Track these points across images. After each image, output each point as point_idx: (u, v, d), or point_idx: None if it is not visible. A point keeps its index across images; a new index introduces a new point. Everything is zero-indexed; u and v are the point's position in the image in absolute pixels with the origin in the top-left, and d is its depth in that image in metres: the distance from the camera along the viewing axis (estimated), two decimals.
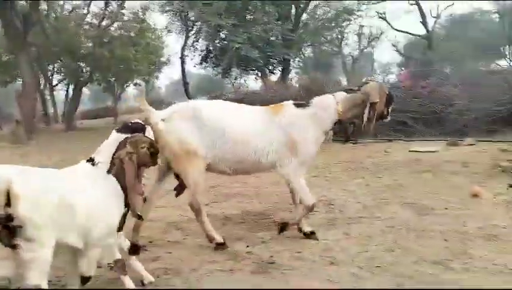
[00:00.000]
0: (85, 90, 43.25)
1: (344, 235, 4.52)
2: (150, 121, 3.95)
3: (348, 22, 24.56)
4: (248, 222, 5.23)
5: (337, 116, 4.52)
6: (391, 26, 31.26)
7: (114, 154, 3.04)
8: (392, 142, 11.20)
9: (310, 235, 4.48)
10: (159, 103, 42.32)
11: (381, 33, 33.12)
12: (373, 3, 22.84)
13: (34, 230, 2.54)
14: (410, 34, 33.15)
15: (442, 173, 7.08)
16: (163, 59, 37.04)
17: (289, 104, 4.52)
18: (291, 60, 22.16)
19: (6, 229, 2.50)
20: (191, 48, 21.20)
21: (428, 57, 24.97)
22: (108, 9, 24.05)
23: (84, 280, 2.95)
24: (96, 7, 24.92)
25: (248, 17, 19.40)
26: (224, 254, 4.16)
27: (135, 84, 39.36)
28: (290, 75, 24.14)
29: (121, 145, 3.07)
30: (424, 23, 29.37)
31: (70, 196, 2.74)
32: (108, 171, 3.00)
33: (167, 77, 61.98)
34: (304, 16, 21.77)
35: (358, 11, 22.57)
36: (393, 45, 32.85)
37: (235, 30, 18.01)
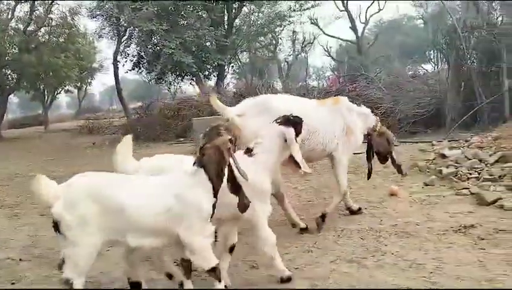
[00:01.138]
0: (13, 98, 41.31)
1: None
2: (225, 117, 4.33)
3: (281, 28, 25.00)
4: None
5: (369, 129, 5.09)
6: (323, 32, 32.09)
7: (204, 145, 2.97)
8: None
9: (357, 211, 5.12)
10: (93, 110, 41.25)
11: (314, 38, 33.90)
12: (304, 10, 23.31)
13: (66, 229, 2.72)
14: (340, 39, 34.25)
15: (364, 174, 7.35)
16: (95, 65, 36.06)
17: (345, 98, 5.10)
18: (226, 65, 22.25)
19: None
20: (122, 53, 20.69)
21: (358, 61, 25.88)
22: (34, 13, 23.02)
23: (212, 270, 2.95)
24: (21, 12, 23.75)
25: (181, 22, 19.26)
26: (146, 264, 4.10)
27: (66, 92, 38.08)
28: (226, 80, 24.29)
29: (213, 135, 2.99)
30: (353, 28, 30.43)
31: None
32: (197, 164, 2.94)
33: (101, 84, 60.24)
34: (237, 22, 21.91)
35: (290, 16, 23.01)
36: (326, 50, 33.74)
37: (168, 35, 17.80)
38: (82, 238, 2.74)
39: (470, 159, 6.37)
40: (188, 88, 25.33)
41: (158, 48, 18.82)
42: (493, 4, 16.08)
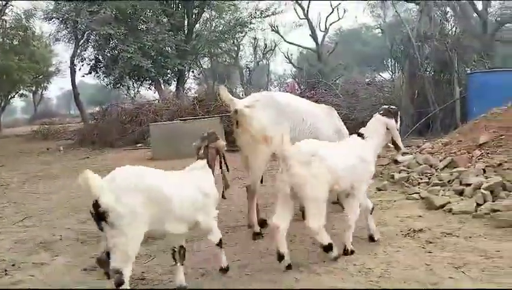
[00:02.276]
0: None
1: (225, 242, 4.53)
2: (233, 108, 4.60)
3: (242, 34, 25.09)
4: None
5: None
6: (284, 39, 32.44)
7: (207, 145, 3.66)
8: None
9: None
10: (49, 115, 40.00)
11: (275, 46, 34.22)
12: (264, 17, 23.51)
13: (117, 219, 2.81)
14: (301, 46, 34.69)
15: None
16: (51, 69, 35.07)
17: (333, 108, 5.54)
18: (186, 70, 22.10)
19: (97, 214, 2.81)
20: (79, 57, 20.20)
21: (318, 68, 26.25)
22: None
23: (219, 243, 3.62)
24: None
25: (140, 26, 19.00)
26: (94, 274, 3.98)
27: (21, 96, 36.81)
28: (186, 85, 24.10)
29: (213, 138, 3.72)
30: (313, 36, 30.87)
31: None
32: (201, 157, 3.62)
33: (59, 88, 58.58)
34: (198, 27, 21.83)
35: (250, 23, 23.11)
36: (286, 57, 34.10)
37: (126, 39, 17.53)
38: (131, 228, 2.87)
39: (421, 165, 6.52)
40: (148, 93, 25.01)
41: (116, 52, 18.51)
42: (446, 16, 16.67)
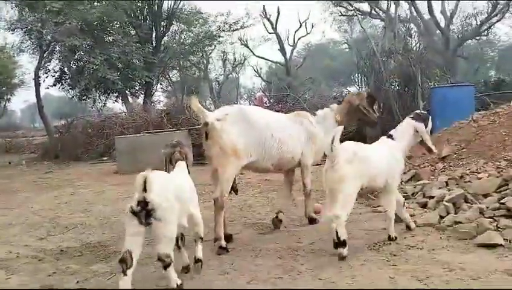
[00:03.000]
0: None
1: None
2: (203, 121, 4.66)
3: (211, 47, 25.08)
4: (85, 255, 4.87)
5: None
6: (253, 53, 32.65)
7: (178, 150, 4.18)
8: None
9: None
10: (13, 128, 38.80)
11: (244, 59, 34.37)
12: (233, 30, 23.61)
13: (163, 213, 3.32)
14: (270, 60, 34.98)
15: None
16: (15, 80, 34.12)
17: (306, 113, 5.57)
18: (155, 83, 21.89)
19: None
20: (44, 68, 19.72)
21: (287, 82, 26.44)
22: None
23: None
24: None
25: (106, 38, 18.73)
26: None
27: None
28: (154, 98, 23.84)
29: (180, 145, 4.24)
30: (282, 51, 31.18)
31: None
32: (180, 159, 4.12)
33: (23, 100, 57.03)
34: (166, 39, 21.70)
35: (219, 36, 23.14)
36: (255, 71, 34.31)
37: (92, 51, 17.25)
38: (173, 219, 3.41)
39: None
40: (115, 105, 24.63)
41: (82, 63, 18.19)
42: (410, 32, 17.11)
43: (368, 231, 4.97)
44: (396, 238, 4.52)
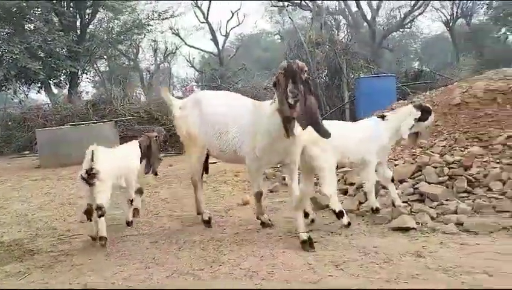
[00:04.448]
0: None
1: (105, 257, 4.31)
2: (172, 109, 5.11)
3: (141, 36, 24.40)
4: None
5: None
6: (185, 42, 32.17)
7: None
8: (182, 155, 11.33)
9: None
10: None
11: (176, 49, 33.80)
12: (163, 19, 23.09)
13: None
14: (202, 50, 34.62)
15: (215, 183, 7.40)
16: None
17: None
18: (80, 73, 20.99)
19: None
20: None
21: (220, 72, 26.30)
22: None
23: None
24: None
25: (26, 25, 17.67)
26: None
27: None
28: (80, 88, 22.90)
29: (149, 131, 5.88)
30: (214, 40, 30.99)
31: None
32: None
33: None
34: (92, 28, 20.82)
35: (148, 25, 22.55)
36: (188, 61, 33.86)
37: (11, 39, 16.21)
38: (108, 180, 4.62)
39: None
40: (40, 96, 23.39)
41: (0, 52, 17.06)
42: (339, 24, 17.54)
43: (290, 219, 5.04)
44: (378, 209, 4.78)
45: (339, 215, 4.53)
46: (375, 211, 4.78)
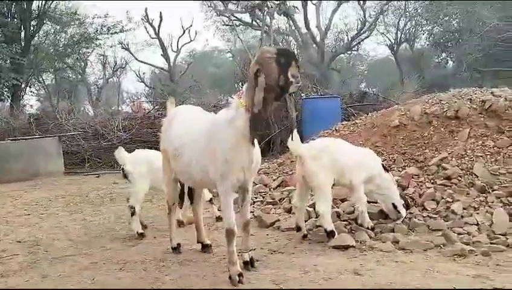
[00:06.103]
0: None
1: (41, 278, 4.16)
2: None
3: (88, 50, 23.90)
4: None
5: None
6: (135, 57, 31.73)
7: None
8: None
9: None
10: None
11: (125, 63, 33.30)
12: (112, 34, 22.71)
13: None
14: (152, 65, 34.20)
15: (161, 200, 7.31)
16: None
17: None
18: (24, 85, 20.26)
19: None
20: None
21: (172, 88, 26.09)
22: None
23: None
24: None
25: None
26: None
27: None
28: (24, 102, 22.08)
29: None
30: (165, 56, 30.76)
31: None
32: None
33: None
34: (37, 40, 20.21)
35: (97, 39, 22.15)
36: (138, 76, 33.34)
37: None
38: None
39: (256, 184, 6.81)
40: None
41: None
42: (289, 44, 17.90)
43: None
44: (374, 228, 4.91)
45: (330, 235, 4.62)
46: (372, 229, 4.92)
